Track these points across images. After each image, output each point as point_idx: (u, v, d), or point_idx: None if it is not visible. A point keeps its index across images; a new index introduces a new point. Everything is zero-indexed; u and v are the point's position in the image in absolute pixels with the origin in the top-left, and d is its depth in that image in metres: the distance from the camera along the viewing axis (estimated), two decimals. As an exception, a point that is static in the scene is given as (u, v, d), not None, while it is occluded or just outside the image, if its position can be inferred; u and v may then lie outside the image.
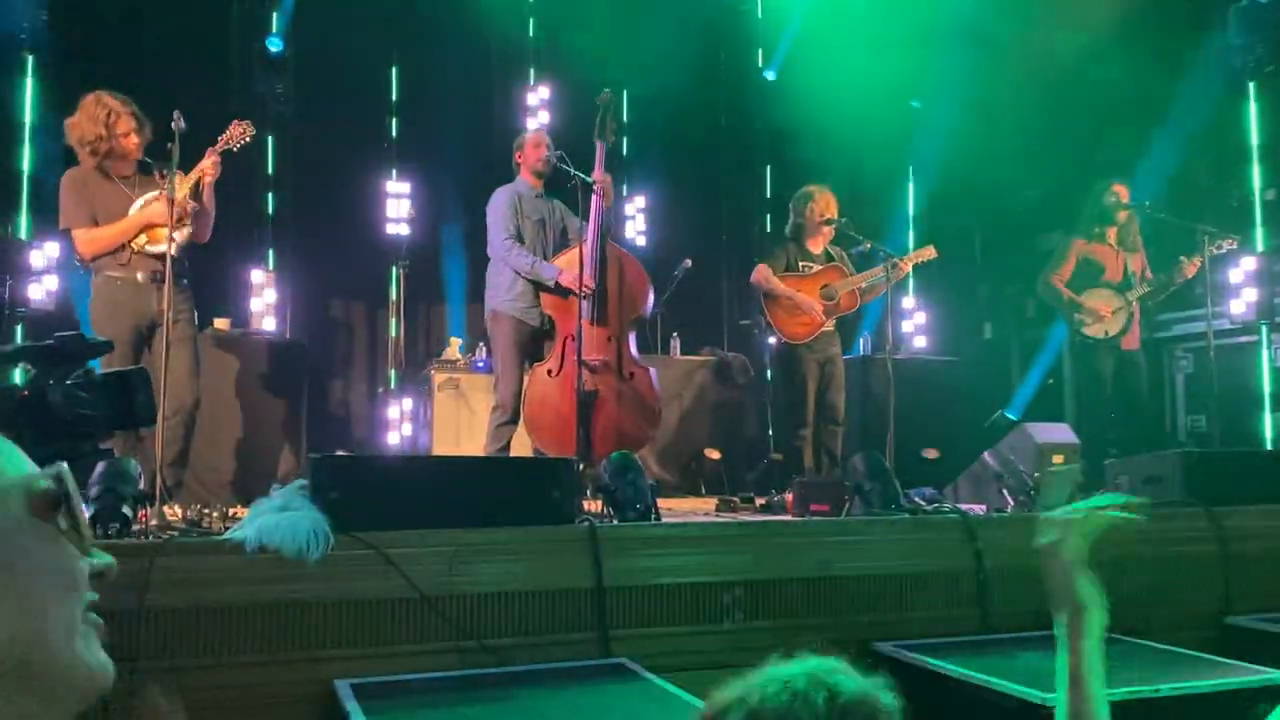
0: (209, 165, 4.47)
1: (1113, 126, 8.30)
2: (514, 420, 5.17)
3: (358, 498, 2.96)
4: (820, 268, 5.85)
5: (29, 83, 6.66)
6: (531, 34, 8.37)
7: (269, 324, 6.86)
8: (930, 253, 5.88)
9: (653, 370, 5.28)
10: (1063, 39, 7.80)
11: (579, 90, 8.09)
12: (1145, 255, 6.32)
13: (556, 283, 5.08)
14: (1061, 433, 5.57)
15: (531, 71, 8.29)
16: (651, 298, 5.38)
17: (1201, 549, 3.88)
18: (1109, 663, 1.62)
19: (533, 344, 5.26)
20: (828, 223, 5.78)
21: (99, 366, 3.75)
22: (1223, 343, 6.46)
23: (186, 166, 4.38)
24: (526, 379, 5.15)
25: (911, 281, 8.32)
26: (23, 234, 6.56)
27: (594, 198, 5.10)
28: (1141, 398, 6.13)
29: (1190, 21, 7.97)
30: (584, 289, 4.96)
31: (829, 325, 5.81)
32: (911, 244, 8.97)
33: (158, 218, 4.39)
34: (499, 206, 5.26)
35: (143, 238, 4.44)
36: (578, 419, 4.89)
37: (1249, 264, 6.65)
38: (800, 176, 8.72)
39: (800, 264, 5.85)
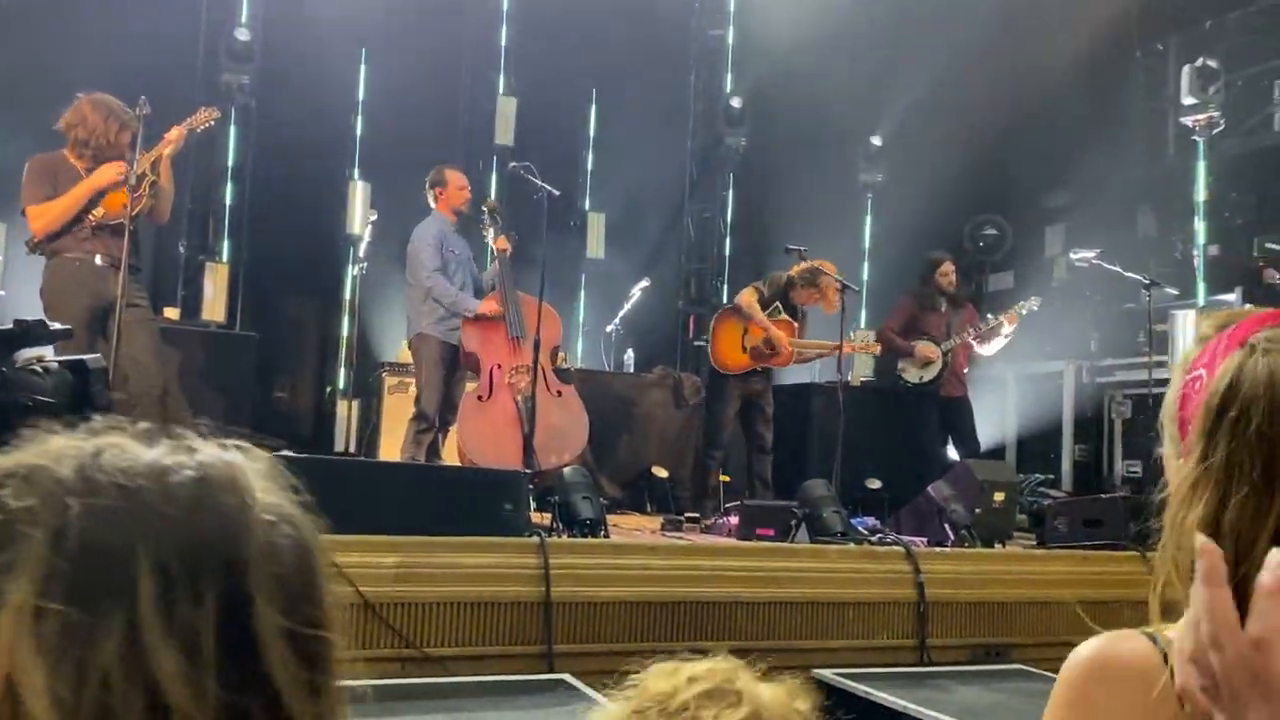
0: (172, 137, 4.44)
1: (1061, 173, 8.52)
2: (433, 429, 5.31)
3: (303, 500, 2.92)
4: (783, 318, 5.94)
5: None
6: (504, 42, 8.35)
7: (218, 316, 6.75)
8: (876, 349, 6.43)
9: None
10: (1025, 83, 7.99)
11: (548, 99, 8.12)
12: (973, 308, 6.79)
13: (477, 314, 5.30)
14: (1003, 471, 5.67)
15: (501, 79, 8.28)
16: (560, 327, 5.65)
17: (1138, 593, 3.96)
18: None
19: (456, 359, 5.41)
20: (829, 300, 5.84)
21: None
22: (1163, 391, 6.60)
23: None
24: (460, 408, 5.28)
25: (864, 313, 8.44)
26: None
27: (500, 256, 5.45)
28: (971, 441, 6.45)
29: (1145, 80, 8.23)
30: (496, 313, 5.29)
31: (758, 368, 5.95)
32: (865, 274, 9.13)
33: (105, 183, 4.31)
34: (426, 241, 5.40)
35: (100, 210, 4.36)
36: (521, 426, 5.00)
37: (1190, 316, 6.83)
38: (762, 201, 8.84)
39: (770, 308, 5.92)
